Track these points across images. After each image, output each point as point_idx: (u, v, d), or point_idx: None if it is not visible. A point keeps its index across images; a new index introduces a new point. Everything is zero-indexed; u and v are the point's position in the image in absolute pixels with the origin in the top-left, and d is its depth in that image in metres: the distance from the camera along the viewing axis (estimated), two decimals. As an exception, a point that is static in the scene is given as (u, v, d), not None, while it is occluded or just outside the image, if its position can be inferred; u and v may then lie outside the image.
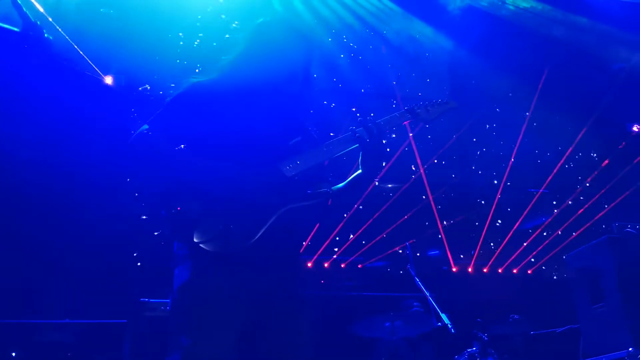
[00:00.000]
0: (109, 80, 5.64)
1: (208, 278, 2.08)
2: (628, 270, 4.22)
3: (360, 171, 2.35)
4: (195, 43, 5.59)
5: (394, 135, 7.21)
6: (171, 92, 2.29)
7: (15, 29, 2.06)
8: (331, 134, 2.40)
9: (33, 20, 2.05)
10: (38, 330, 4.31)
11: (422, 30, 7.13)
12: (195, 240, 2.06)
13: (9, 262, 5.14)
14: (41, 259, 5.29)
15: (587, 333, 4.59)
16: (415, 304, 5.34)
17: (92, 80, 5.42)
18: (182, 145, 2.18)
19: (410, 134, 7.23)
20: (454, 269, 7.59)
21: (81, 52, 4.92)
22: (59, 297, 4.97)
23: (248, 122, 2.24)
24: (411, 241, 5.28)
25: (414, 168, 7.50)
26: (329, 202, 2.30)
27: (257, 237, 2.09)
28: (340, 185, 2.37)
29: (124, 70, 5.64)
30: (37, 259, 5.28)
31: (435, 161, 7.70)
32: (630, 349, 3.93)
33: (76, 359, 4.29)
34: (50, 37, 2.17)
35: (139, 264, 5.76)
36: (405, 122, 2.41)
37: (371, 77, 7.15)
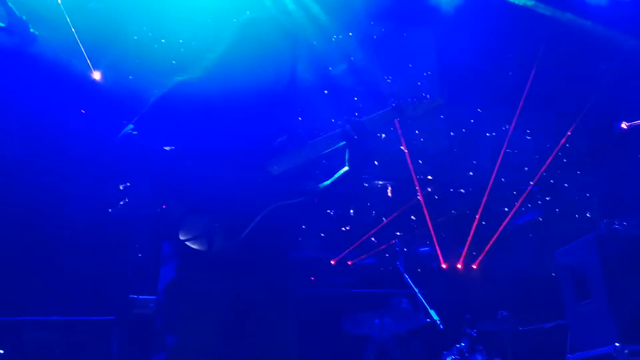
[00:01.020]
0: (96, 75, 5.61)
1: (193, 277, 2.08)
2: (615, 267, 4.27)
3: (346, 168, 2.35)
4: (181, 40, 5.56)
5: (383, 135, 7.21)
6: (156, 91, 2.28)
7: (1, 24, 2.04)
8: (318, 132, 2.39)
9: (19, 15, 2.03)
10: (26, 328, 4.28)
11: (413, 27, 7.13)
12: (180, 239, 2.06)
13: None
14: (29, 256, 5.26)
15: (575, 329, 4.64)
16: (403, 300, 5.37)
17: (79, 79, 5.39)
18: (168, 145, 2.17)
19: (400, 131, 7.24)
20: (443, 266, 7.63)
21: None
22: (47, 294, 4.94)
23: (234, 120, 2.23)
24: (399, 236, 5.31)
25: (411, 166, 7.50)
26: (316, 200, 2.31)
27: (243, 235, 2.09)
28: (327, 182, 2.37)
29: (111, 65, 5.61)
30: (25, 256, 5.25)
31: (423, 159, 7.72)
32: (616, 344, 3.98)
33: (65, 356, 4.27)
34: (37, 33, 2.15)
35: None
36: (393, 119, 2.41)
37: (359, 74, 7.14)
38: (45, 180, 5.37)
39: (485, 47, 7.09)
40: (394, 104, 2.39)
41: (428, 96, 2.42)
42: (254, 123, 2.27)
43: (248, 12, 2.43)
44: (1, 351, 4.13)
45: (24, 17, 2.01)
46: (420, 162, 7.69)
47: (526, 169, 7.96)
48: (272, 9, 5.69)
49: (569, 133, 7.80)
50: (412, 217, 7.62)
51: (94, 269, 5.38)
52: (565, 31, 7.07)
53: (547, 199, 7.92)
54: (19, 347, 4.19)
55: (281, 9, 5.91)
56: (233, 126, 2.22)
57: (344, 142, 2.29)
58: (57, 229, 5.41)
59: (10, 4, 1.97)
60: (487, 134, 8.03)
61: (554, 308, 5.26)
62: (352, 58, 6.98)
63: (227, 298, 2.10)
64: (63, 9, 5.21)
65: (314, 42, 6.37)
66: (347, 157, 2.34)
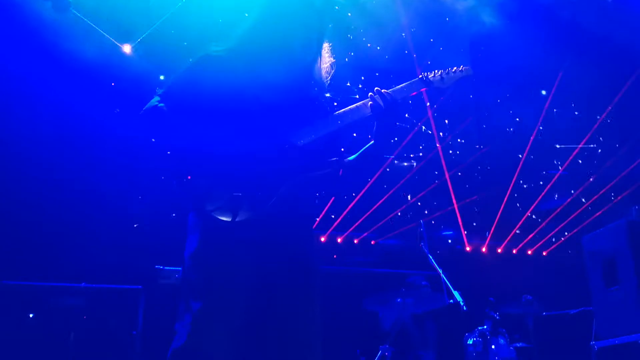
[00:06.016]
0: (127, 49, 5.65)
1: (217, 246, 2.10)
2: (645, 254, 4.16)
3: (372, 142, 2.32)
4: (211, 14, 5.54)
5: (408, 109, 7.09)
6: (190, 60, 2.28)
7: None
8: (343, 102, 2.36)
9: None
10: (55, 293, 4.39)
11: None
12: (206, 208, 2.07)
13: (28, 227, 5.25)
14: (60, 224, 5.40)
15: (601, 316, 4.55)
16: (422, 280, 5.34)
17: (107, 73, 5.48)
18: (194, 117, 2.16)
19: (428, 104, 7.10)
20: (467, 248, 7.56)
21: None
22: (77, 262, 5.06)
23: (260, 91, 2.22)
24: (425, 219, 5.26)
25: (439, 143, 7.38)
26: (340, 173, 2.29)
27: (267, 206, 2.09)
28: (353, 156, 2.35)
29: (142, 40, 5.65)
30: (57, 224, 5.38)
31: (452, 140, 7.62)
32: (644, 332, 3.89)
33: (91, 321, 4.38)
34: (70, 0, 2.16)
35: (135, 225, 5.85)
36: (420, 90, 2.37)
37: (387, 43, 6.99)
38: (77, 153, 5.49)
39: (523, 20, 6.87)
40: (421, 75, 2.34)
41: (455, 68, 2.36)
42: (280, 93, 2.25)
43: None
44: (30, 315, 4.25)
45: None
46: (447, 142, 7.59)
47: (558, 147, 7.79)
48: None
49: (603, 117, 7.60)
50: (438, 198, 7.55)
51: (123, 240, 5.50)
52: (603, 18, 6.84)
53: (577, 184, 7.76)
54: (48, 312, 4.31)
55: None
56: (259, 96, 2.21)
57: (371, 114, 2.26)
58: (88, 200, 5.52)
59: None
60: (517, 119, 7.87)
61: (580, 294, 5.18)
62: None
63: (250, 267, 2.11)
64: None
65: (343, 11, 6.23)
66: (374, 130, 2.31)
